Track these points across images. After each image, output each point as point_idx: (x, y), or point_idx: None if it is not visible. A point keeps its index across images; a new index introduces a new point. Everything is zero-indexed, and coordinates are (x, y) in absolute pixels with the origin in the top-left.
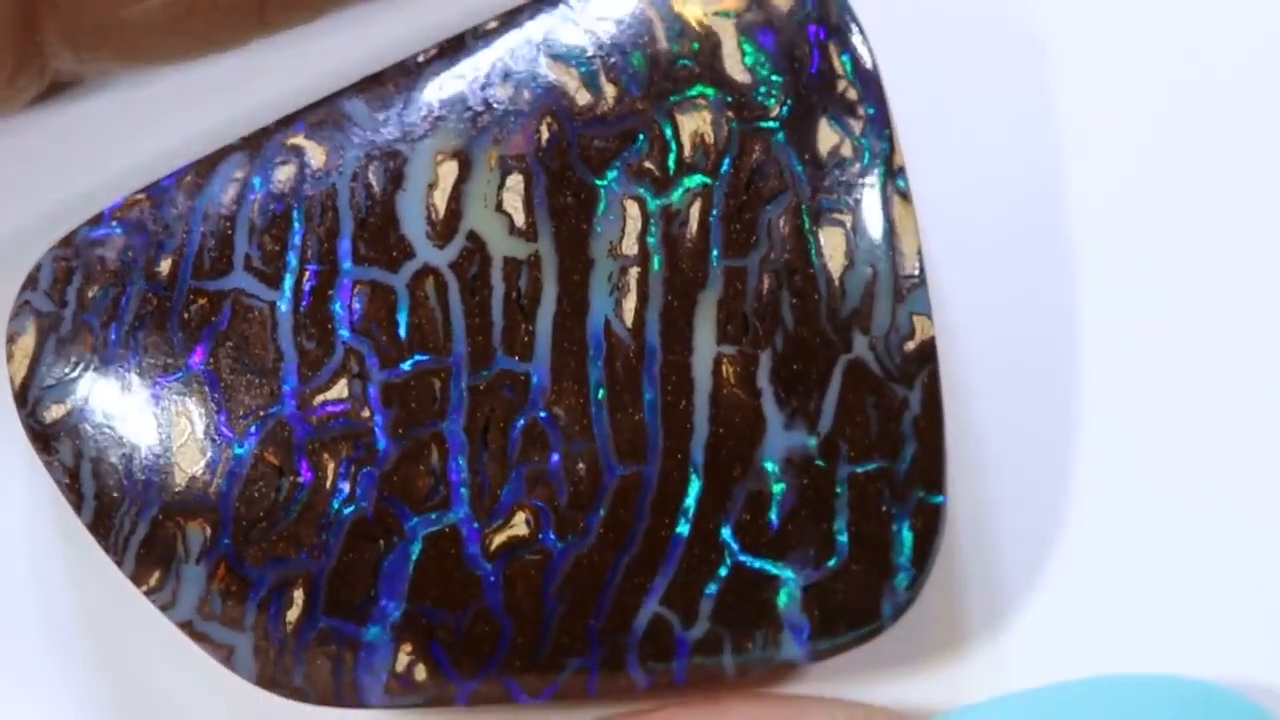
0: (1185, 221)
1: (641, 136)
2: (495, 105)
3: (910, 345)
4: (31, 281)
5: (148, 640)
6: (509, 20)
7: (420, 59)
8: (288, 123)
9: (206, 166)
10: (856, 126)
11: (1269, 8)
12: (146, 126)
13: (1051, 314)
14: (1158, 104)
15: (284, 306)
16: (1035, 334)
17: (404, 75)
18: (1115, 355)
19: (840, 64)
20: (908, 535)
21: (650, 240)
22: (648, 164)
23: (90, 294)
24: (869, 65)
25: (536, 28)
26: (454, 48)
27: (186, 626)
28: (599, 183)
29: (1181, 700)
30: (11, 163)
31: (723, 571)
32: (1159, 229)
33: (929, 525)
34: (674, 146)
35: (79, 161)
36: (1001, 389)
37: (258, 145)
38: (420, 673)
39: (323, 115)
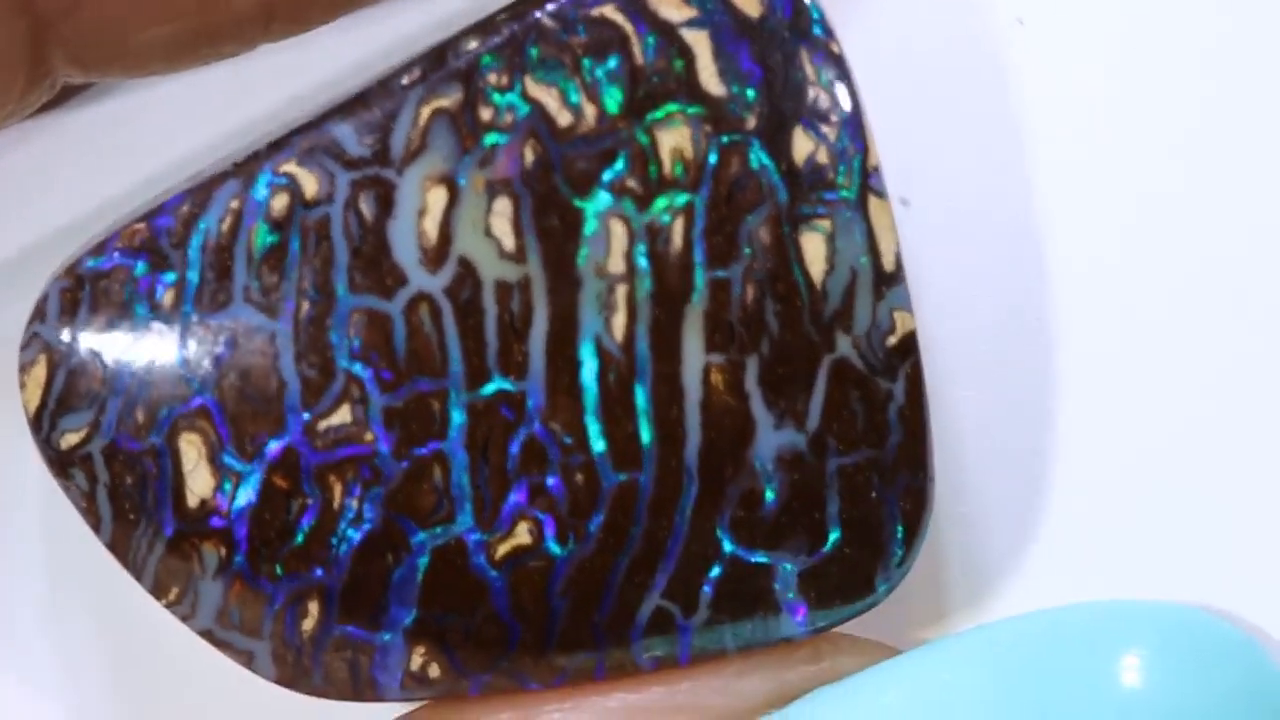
0: (1157, 210)
1: (622, 155)
2: (479, 128)
3: (892, 340)
4: (39, 313)
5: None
6: (486, 35)
7: (405, 81)
8: (278, 147)
9: (202, 194)
10: (831, 132)
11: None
12: (142, 129)
13: (1027, 302)
14: (1135, 98)
15: (284, 336)
16: (1012, 322)
17: (389, 98)
18: (1090, 340)
19: (813, 70)
20: (897, 516)
21: (636, 257)
22: (630, 182)
23: (96, 326)
24: (842, 69)
25: (515, 46)
26: (435, 67)
27: (207, 634)
28: (583, 204)
29: (1164, 624)
30: (13, 174)
31: (719, 565)
32: (1131, 219)
33: (917, 505)
34: (654, 163)
35: (78, 169)
36: (980, 375)
37: (250, 173)
38: (434, 670)
39: (312, 142)
